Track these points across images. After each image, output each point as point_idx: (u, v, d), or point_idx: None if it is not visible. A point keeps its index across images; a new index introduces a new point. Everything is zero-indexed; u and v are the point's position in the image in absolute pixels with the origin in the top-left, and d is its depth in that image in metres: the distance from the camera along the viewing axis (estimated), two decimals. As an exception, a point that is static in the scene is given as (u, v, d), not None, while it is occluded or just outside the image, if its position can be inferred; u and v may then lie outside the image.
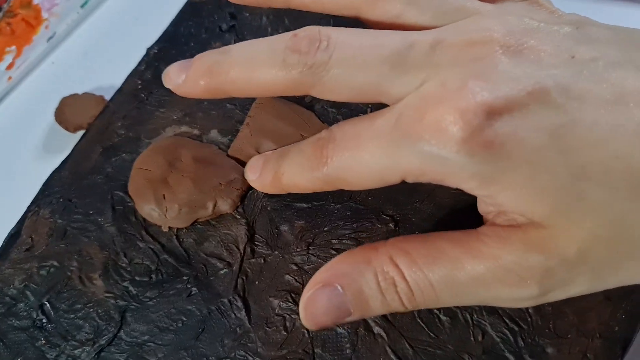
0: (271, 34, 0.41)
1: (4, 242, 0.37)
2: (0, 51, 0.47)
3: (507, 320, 0.31)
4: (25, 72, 0.48)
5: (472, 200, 0.33)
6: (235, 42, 0.42)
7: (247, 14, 0.43)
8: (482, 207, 0.27)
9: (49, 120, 0.44)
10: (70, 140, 0.41)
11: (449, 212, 0.34)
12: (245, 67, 0.29)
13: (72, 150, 0.40)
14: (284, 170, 0.31)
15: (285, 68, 0.27)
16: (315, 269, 0.33)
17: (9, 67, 0.47)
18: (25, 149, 0.44)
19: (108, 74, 0.45)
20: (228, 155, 0.37)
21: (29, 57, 0.48)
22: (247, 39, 0.41)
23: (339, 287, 0.27)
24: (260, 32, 0.42)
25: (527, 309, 0.31)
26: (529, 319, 0.31)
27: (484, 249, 0.25)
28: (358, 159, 0.27)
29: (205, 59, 0.30)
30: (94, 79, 0.46)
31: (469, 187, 0.25)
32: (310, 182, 0.29)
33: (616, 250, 0.25)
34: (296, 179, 0.30)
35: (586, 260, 0.25)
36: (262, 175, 0.33)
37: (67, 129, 0.43)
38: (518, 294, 0.25)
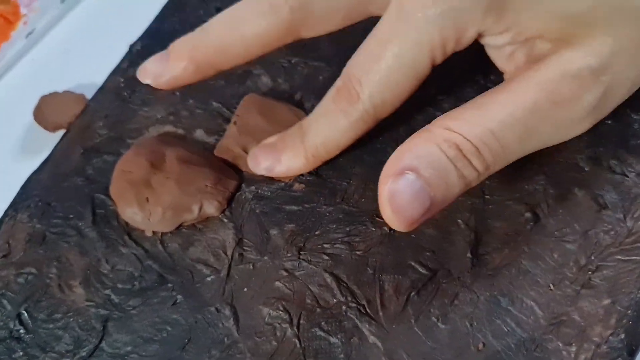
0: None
1: (-21, 248, 0.35)
2: (-23, 48, 0.46)
3: (508, 328, 0.29)
4: (3, 70, 0.46)
5: (467, 200, 0.32)
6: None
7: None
8: (501, 61, 0.29)
9: (27, 119, 0.42)
10: (49, 140, 0.40)
11: (445, 213, 0.32)
12: (232, 27, 0.28)
13: (52, 152, 0.38)
14: (317, 141, 0.31)
15: (274, 11, 0.27)
16: (307, 275, 0.32)
17: (-13, 64, 0.45)
18: (3, 150, 0.42)
19: (89, 72, 0.43)
20: (214, 156, 0.36)
21: (6, 54, 0.46)
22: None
23: (411, 174, 0.26)
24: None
25: (529, 316, 0.29)
26: (532, 326, 0.29)
27: (524, 84, 0.26)
28: (386, 69, 0.27)
29: (184, 40, 0.30)
30: (74, 77, 0.44)
31: (488, 27, 0.26)
32: (352, 130, 0.30)
33: None
34: (336, 139, 0.30)
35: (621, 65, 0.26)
36: (287, 159, 0.32)
37: (46, 128, 0.41)
38: (574, 113, 0.27)
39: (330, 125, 0.31)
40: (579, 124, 0.28)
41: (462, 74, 0.37)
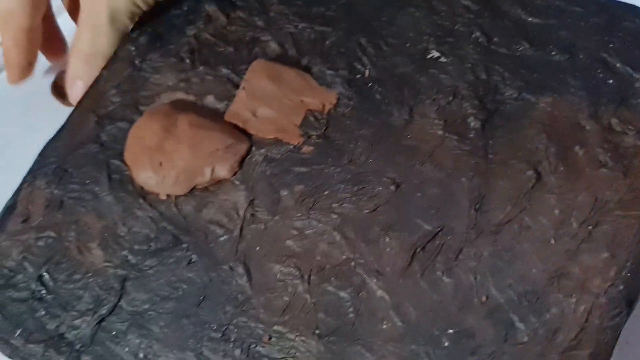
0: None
1: (0, 214, 0.36)
2: None
3: (511, 281, 0.30)
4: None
5: (471, 159, 0.33)
6: (229, 5, 0.41)
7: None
8: None
9: (44, 92, 0.43)
10: (65, 111, 0.41)
11: (450, 172, 0.33)
12: None
13: (67, 120, 0.39)
14: None
15: None
16: (317, 234, 0.33)
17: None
18: (19, 121, 0.43)
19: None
20: (225, 121, 0.37)
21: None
22: (241, 1, 0.41)
23: None
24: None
25: (530, 269, 0.30)
26: (533, 279, 0.30)
27: None
28: None
29: None
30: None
31: None
32: None
33: None
34: None
35: None
36: None
37: (63, 103, 0.42)
38: None
39: None
40: None
41: (461, 35, 0.37)
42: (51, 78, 0.46)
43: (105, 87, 0.39)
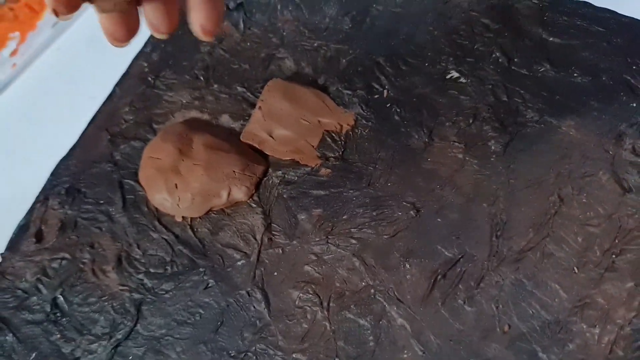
0: (280, 12, 0.40)
1: (13, 234, 0.36)
2: (3, 37, 0.46)
3: (533, 311, 0.30)
4: (29, 59, 0.46)
5: (492, 184, 0.33)
6: (243, 21, 0.40)
7: (255, -9, 0.41)
8: None
9: (53, 108, 0.42)
10: (76, 128, 0.40)
11: (470, 197, 0.33)
12: None
13: (79, 138, 0.39)
14: None
15: None
16: (335, 259, 0.32)
17: (13, 53, 0.45)
18: (30, 138, 0.42)
19: (114, 59, 0.43)
20: (241, 141, 0.36)
21: (33, 44, 0.46)
22: (255, 17, 0.40)
23: None
24: (268, 10, 0.41)
25: (553, 298, 0.30)
26: (556, 309, 0.30)
27: None
28: None
29: None
30: (100, 65, 0.44)
31: None
32: None
33: None
34: None
35: None
36: None
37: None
38: None
39: None
40: None
41: (481, 55, 0.37)
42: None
43: (119, 104, 0.39)
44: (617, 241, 0.31)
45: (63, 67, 0.45)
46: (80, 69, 0.44)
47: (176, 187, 0.35)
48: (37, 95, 0.44)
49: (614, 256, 0.31)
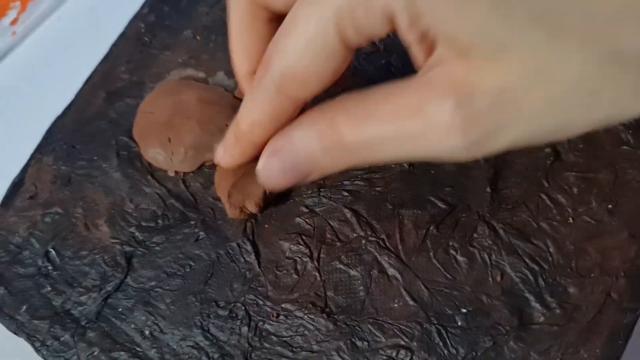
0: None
1: (7, 190, 0.36)
2: (4, 6, 0.46)
3: (527, 260, 0.30)
4: (30, 28, 0.46)
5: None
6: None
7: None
8: (414, 55, 0.24)
9: (52, 77, 0.42)
10: (72, 87, 0.40)
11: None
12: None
13: (75, 97, 0.38)
14: (240, 119, 0.28)
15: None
16: (327, 211, 0.32)
17: (13, 22, 0.45)
18: (30, 105, 0.42)
19: (115, 26, 0.43)
20: (235, 97, 0.36)
21: (33, 13, 0.46)
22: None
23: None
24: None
25: (547, 248, 0.30)
26: (550, 258, 0.29)
27: (410, 102, 0.22)
28: (293, 44, 0.25)
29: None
30: (100, 35, 0.44)
31: (402, 19, 0.22)
32: (268, 107, 0.27)
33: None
34: (255, 117, 0.28)
35: (512, 102, 0.21)
36: (223, 142, 0.30)
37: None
38: (445, 146, 0.22)
39: (249, 103, 0.28)
40: (453, 156, 0.23)
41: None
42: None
43: (115, 63, 0.39)
44: (612, 192, 0.30)
45: (64, 36, 0.45)
46: (80, 38, 0.44)
47: (169, 141, 0.34)
48: (37, 64, 0.44)
49: (609, 206, 0.30)
